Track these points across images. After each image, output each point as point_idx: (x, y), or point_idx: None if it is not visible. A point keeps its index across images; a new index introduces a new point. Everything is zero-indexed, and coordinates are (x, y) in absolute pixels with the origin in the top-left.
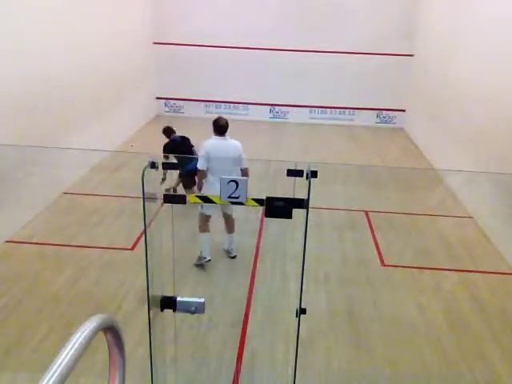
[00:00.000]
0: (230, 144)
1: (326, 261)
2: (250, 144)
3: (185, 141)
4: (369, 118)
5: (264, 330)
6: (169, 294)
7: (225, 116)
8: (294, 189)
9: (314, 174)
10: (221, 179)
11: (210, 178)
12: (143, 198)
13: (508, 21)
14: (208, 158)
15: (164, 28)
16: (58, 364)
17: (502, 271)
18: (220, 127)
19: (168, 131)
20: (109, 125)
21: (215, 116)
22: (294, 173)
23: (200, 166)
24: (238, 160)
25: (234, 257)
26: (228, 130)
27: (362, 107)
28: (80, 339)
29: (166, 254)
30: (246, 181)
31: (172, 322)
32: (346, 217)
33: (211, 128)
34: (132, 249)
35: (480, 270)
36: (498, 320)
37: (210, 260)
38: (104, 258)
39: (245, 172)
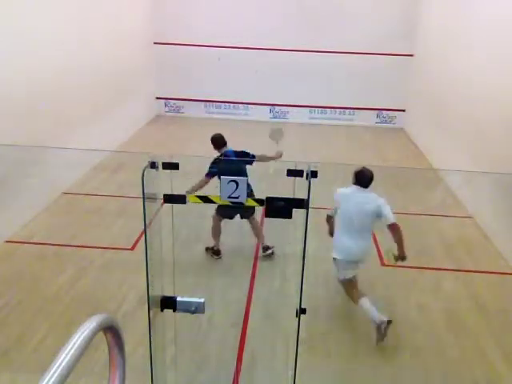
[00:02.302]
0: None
1: (326, 261)
2: (250, 144)
3: (240, 161)
4: (369, 118)
5: (264, 330)
6: (169, 294)
7: (225, 116)
8: (294, 189)
9: (313, 174)
10: (221, 179)
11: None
12: (143, 197)
13: (508, 21)
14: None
15: (164, 28)
16: (57, 364)
17: (501, 271)
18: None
19: (218, 141)
20: (109, 125)
21: (215, 116)
22: (294, 173)
23: None
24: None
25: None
26: (228, 131)
27: (361, 107)
28: (80, 339)
29: (166, 254)
30: (246, 181)
31: (172, 322)
32: None
33: (211, 128)
34: (132, 249)
35: (480, 270)
36: (497, 320)
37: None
38: (104, 258)
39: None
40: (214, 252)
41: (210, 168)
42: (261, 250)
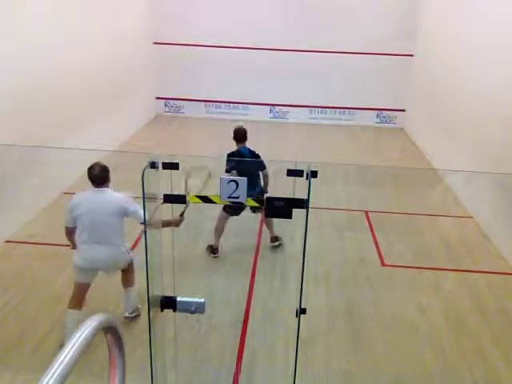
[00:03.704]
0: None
1: (326, 261)
2: (250, 144)
3: (254, 159)
4: (369, 118)
5: (264, 330)
6: (169, 294)
7: (225, 116)
8: (294, 189)
9: (313, 173)
10: (221, 179)
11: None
12: (143, 197)
13: (508, 21)
14: None
15: (164, 28)
16: (58, 364)
17: (502, 271)
18: None
19: (238, 134)
20: (109, 125)
21: (215, 116)
22: (293, 173)
23: None
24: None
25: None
26: (228, 131)
27: (362, 107)
28: (80, 339)
29: (166, 254)
30: (246, 181)
31: (172, 322)
32: (346, 217)
33: (211, 128)
34: (132, 249)
35: (480, 269)
36: (497, 320)
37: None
38: None
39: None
40: (212, 250)
41: (226, 164)
42: (269, 241)
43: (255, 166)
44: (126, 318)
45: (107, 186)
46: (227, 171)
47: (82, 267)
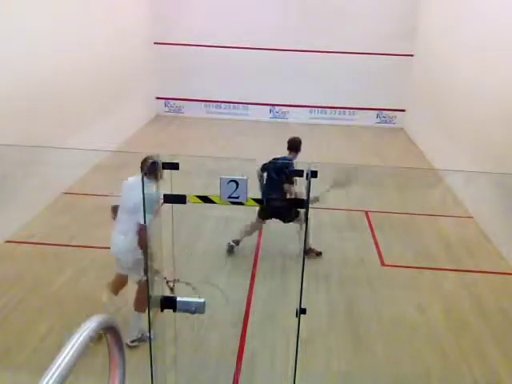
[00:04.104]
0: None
1: (326, 261)
2: (250, 144)
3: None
4: (369, 118)
5: (264, 329)
6: (169, 294)
7: (225, 116)
8: (294, 189)
9: (313, 173)
10: (221, 179)
11: None
12: (143, 197)
13: (508, 21)
14: None
15: (164, 28)
16: (57, 364)
17: (501, 271)
18: None
19: (290, 143)
20: (109, 125)
21: (215, 116)
22: (294, 173)
23: None
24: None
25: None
26: (228, 131)
27: (362, 107)
28: (80, 339)
29: (166, 254)
30: (246, 181)
31: (172, 322)
32: (346, 217)
33: (211, 128)
34: None
35: (480, 269)
36: (497, 320)
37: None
38: (104, 258)
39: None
40: (231, 246)
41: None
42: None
43: (281, 177)
44: (127, 345)
45: (152, 180)
46: (261, 170)
47: (111, 253)
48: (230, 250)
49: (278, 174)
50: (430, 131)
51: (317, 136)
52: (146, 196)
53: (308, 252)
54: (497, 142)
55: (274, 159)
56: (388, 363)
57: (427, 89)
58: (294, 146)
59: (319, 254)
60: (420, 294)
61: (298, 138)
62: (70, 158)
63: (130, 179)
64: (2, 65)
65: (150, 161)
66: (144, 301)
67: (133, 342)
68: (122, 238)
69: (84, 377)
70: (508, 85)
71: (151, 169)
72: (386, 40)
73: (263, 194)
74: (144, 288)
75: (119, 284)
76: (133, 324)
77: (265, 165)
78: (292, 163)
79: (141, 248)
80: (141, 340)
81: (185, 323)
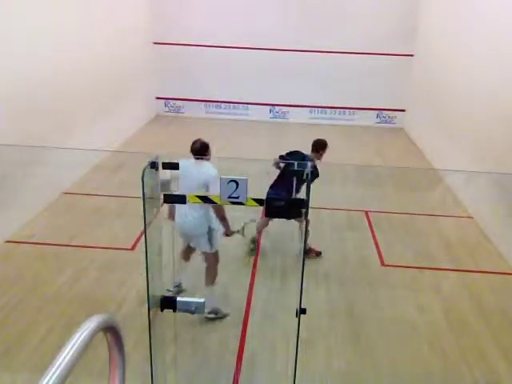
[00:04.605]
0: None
1: (326, 261)
2: (250, 144)
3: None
4: (369, 118)
5: (264, 329)
6: (169, 294)
7: (225, 116)
8: (295, 189)
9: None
10: (221, 179)
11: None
12: (143, 197)
13: (508, 20)
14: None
15: (164, 28)
16: (57, 364)
17: (502, 271)
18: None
19: (314, 143)
20: (109, 125)
21: (215, 116)
22: (293, 173)
23: None
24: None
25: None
26: (228, 131)
27: (362, 107)
28: (80, 339)
29: (166, 254)
30: (246, 181)
31: (172, 322)
32: (346, 217)
33: (211, 128)
34: (132, 249)
35: (480, 269)
36: (497, 320)
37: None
38: (104, 258)
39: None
40: (251, 248)
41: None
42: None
43: (292, 174)
44: (206, 318)
45: (207, 160)
46: (276, 162)
47: (181, 233)
48: (253, 249)
49: (292, 174)
50: (430, 131)
51: (317, 136)
52: (213, 173)
53: (308, 252)
54: (497, 142)
55: (294, 152)
56: (388, 363)
57: (427, 89)
58: (313, 146)
59: (319, 253)
60: (420, 294)
61: (320, 140)
62: (70, 158)
63: (184, 161)
64: (2, 65)
65: (200, 142)
66: (212, 275)
67: (210, 313)
68: (193, 216)
69: (84, 377)
70: (508, 85)
71: (203, 149)
72: (385, 40)
73: (271, 186)
74: (211, 262)
75: (189, 252)
76: (206, 297)
77: (282, 156)
78: (310, 166)
79: (220, 220)
80: (216, 312)
81: (185, 323)
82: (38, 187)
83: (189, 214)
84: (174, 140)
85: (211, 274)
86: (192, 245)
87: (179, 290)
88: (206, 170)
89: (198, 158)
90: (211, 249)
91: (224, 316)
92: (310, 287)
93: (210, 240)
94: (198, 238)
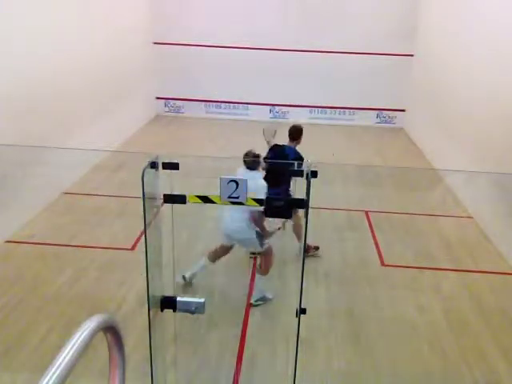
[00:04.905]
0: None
1: (326, 261)
2: (249, 144)
3: (282, 157)
4: (369, 118)
5: (264, 330)
6: (169, 294)
7: (225, 116)
8: (294, 189)
9: (313, 173)
10: (220, 179)
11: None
12: (143, 197)
13: (508, 20)
14: None
15: (164, 28)
16: (57, 364)
17: (502, 271)
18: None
19: (290, 131)
20: (109, 125)
21: (215, 116)
22: (294, 173)
23: None
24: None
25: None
26: (228, 131)
27: (362, 107)
28: (80, 339)
29: (166, 254)
30: (246, 181)
31: (172, 322)
32: (346, 217)
33: (211, 128)
34: (132, 249)
35: (480, 269)
36: (497, 320)
37: None
38: (104, 258)
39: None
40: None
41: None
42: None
43: (282, 168)
44: (251, 304)
45: (258, 171)
46: (264, 158)
47: (226, 238)
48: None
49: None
50: (430, 131)
51: (317, 136)
52: (259, 185)
53: (307, 250)
54: (497, 142)
55: (274, 146)
56: (388, 363)
57: (427, 89)
58: (290, 134)
59: (317, 248)
60: (420, 294)
61: (295, 125)
62: (70, 158)
63: (241, 171)
64: (2, 65)
65: (253, 153)
66: (267, 267)
67: (256, 301)
68: (239, 225)
69: (84, 377)
70: (508, 85)
71: (256, 162)
72: (385, 40)
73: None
74: (267, 256)
75: (221, 253)
76: (256, 285)
77: (266, 158)
78: (301, 157)
79: (261, 230)
80: (263, 299)
81: (185, 323)
82: (37, 187)
83: (234, 221)
84: (173, 140)
85: (266, 266)
86: (243, 247)
87: (188, 282)
88: (255, 181)
89: (249, 169)
90: (263, 248)
91: (269, 300)
92: (310, 287)
93: (260, 241)
94: (244, 241)
